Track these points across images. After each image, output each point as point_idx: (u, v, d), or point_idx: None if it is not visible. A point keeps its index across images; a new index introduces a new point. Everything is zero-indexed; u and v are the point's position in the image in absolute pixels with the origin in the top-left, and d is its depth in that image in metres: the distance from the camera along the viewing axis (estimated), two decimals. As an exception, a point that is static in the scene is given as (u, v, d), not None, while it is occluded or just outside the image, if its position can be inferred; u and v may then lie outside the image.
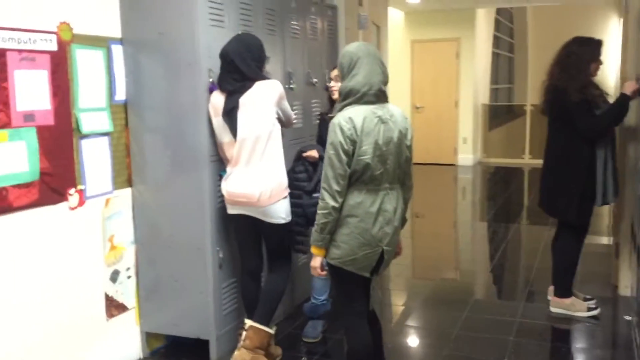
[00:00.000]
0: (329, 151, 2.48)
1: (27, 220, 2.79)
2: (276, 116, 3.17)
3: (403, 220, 2.69)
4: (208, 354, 3.35)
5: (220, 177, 3.25)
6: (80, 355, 3.13)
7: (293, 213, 3.29)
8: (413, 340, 3.91)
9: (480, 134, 11.59)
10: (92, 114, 3.13)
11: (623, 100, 3.74)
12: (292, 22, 4.05)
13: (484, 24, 11.60)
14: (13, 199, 2.71)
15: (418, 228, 7.01)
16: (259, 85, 3.10)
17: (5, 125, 2.67)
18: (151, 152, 3.33)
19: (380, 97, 2.56)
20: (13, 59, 2.68)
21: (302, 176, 3.43)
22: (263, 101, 3.10)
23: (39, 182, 2.83)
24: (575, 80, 3.72)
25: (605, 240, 5.96)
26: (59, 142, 2.93)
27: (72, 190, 3.02)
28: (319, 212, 2.51)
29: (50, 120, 2.88)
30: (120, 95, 3.31)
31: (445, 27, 10.79)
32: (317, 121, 4.18)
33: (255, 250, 3.35)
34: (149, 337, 3.54)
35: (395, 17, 10.47)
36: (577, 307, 4.02)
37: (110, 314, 3.31)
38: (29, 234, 2.81)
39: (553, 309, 4.09)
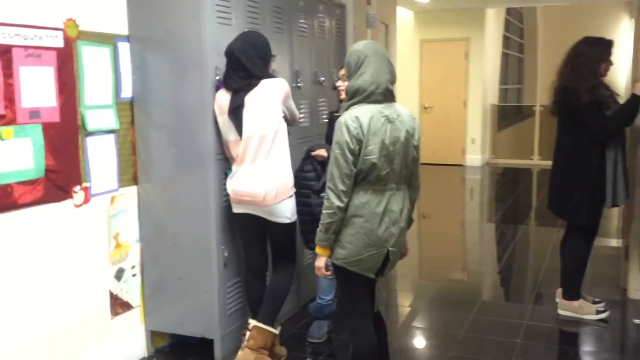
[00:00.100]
0: (335, 150, 2.46)
1: (32, 218, 2.79)
2: (282, 115, 3.15)
3: (409, 221, 2.67)
4: (213, 353, 3.34)
5: (226, 175, 3.23)
6: (85, 353, 3.12)
7: (302, 212, 3.27)
8: (419, 342, 3.88)
9: (489, 134, 11.53)
10: (98, 111, 3.12)
11: (634, 101, 3.71)
12: (300, 21, 4.03)
13: (493, 24, 11.54)
14: (18, 196, 2.70)
15: (425, 228, 6.98)
16: (265, 84, 3.08)
17: (11, 121, 2.66)
18: (157, 150, 3.32)
19: (388, 96, 2.54)
20: (19, 56, 2.67)
21: (311, 175, 3.41)
22: (269, 99, 3.08)
23: (44, 179, 2.82)
24: (585, 81, 3.69)
25: (614, 242, 5.91)
26: (64, 139, 2.92)
27: (77, 188, 3.02)
28: (324, 211, 2.49)
29: (55, 117, 2.87)
30: (127, 92, 3.30)
31: (455, 26, 10.75)
32: (325, 120, 4.16)
33: (260, 250, 3.33)
34: (153, 335, 3.53)
35: (404, 17, 10.43)
36: (585, 309, 3.99)
37: (115, 312, 3.30)
38: (33, 231, 2.80)
39: (561, 312, 4.06)
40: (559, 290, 4.12)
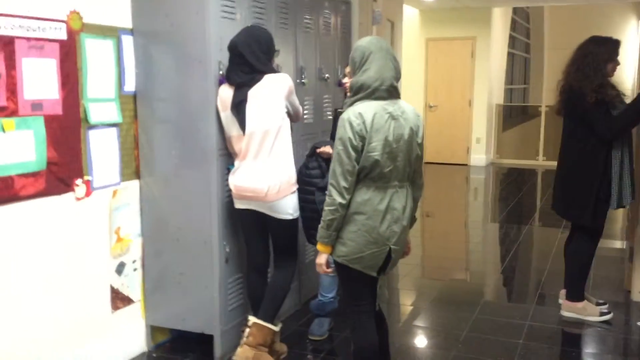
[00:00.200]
0: (338, 147, 2.44)
1: (33, 210, 2.77)
2: (285, 110, 3.12)
3: (412, 220, 2.64)
4: (212, 349, 3.33)
5: (228, 170, 3.22)
6: (85, 347, 3.11)
7: (306, 209, 3.25)
8: (421, 341, 3.86)
9: (494, 134, 11.50)
10: (101, 104, 3.10)
11: (641, 101, 3.67)
12: (305, 17, 4.01)
13: (500, 23, 11.49)
14: (19, 188, 2.69)
15: (428, 227, 6.96)
16: (268, 79, 3.06)
17: (13, 113, 2.65)
18: (160, 145, 3.31)
19: (392, 93, 2.51)
20: (21, 47, 2.66)
21: (316, 172, 3.39)
22: (272, 95, 3.06)
23: (46, 171, 2.81)
24: (591, 80, 3.66)
25: (618, 244, 5.88)
26: (66, 131, 2.91)
27: (79, 181, 3.00)
28: (325, 208, 2.47)
29: (58, 110, 2.86)
30: (130, 86, 3.29)
31: (461, 25, 10.71)
32: (329, 117, 4.14)
33: (262, 246, 3.31)
34: (154, 330, 3.52)
35: (410, 15, 10.40)
36: (589, 311, 3.96)
37: (115, 307, 3.29)
38: (34, 224, 2.79)
39: (564, 313, 4.03)
40: (563, 291, 4.09)
